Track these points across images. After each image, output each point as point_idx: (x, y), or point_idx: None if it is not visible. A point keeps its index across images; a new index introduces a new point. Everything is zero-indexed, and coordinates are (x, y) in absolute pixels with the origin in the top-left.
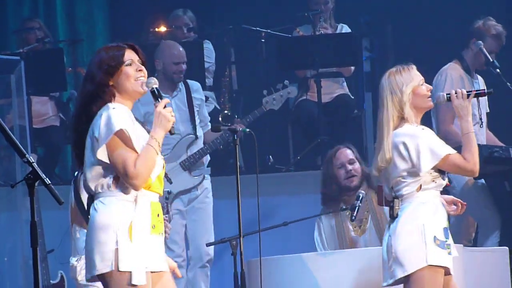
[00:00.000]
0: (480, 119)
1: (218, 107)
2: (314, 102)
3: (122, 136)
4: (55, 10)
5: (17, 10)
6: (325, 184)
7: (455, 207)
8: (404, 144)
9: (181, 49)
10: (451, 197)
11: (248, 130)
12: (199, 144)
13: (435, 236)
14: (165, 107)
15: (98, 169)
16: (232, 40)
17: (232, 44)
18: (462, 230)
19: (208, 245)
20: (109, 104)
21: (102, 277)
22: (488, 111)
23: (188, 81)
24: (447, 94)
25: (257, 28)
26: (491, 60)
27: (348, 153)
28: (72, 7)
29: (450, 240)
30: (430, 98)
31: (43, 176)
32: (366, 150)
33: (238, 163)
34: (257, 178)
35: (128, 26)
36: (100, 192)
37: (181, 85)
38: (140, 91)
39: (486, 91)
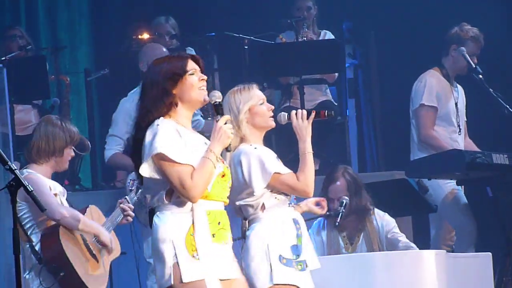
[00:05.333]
0: (458, 126)
1: (202, 114)
2: (297, 108)
3: (163, 157)
4: (37, 17)
5: None
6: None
7: (318, 206)
8: (240, 164)
9: (164, 50)
10: (313, 198)
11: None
12: None
13: (280, 255)
14: (226, 123)
15: (150, 183)
16: (215, 47)
17: (215, 51)
18: (442, 236)
19: None
20: (156, 121)
21: None
22: (466, 119)
23: None
24: (287, 114)
25: (240, 35)
26: (474, 66)
27: (338, 190)
28: (54, 14)
29: (303, 256)
30: (271, 118)
31: (26, 183)
32: (350, 157)
33: None
34: None
35: (111, 34)
36: (157, 206)
37: None
38: (201, 101)
39: (327, 112)
